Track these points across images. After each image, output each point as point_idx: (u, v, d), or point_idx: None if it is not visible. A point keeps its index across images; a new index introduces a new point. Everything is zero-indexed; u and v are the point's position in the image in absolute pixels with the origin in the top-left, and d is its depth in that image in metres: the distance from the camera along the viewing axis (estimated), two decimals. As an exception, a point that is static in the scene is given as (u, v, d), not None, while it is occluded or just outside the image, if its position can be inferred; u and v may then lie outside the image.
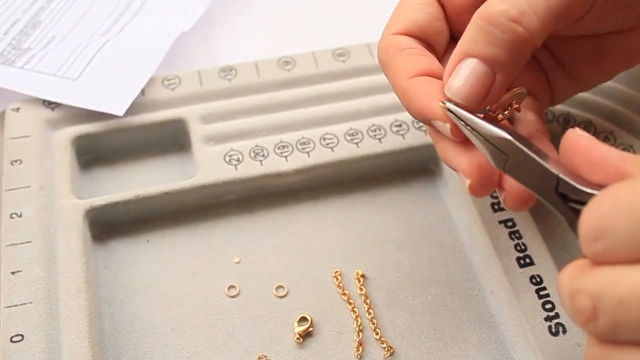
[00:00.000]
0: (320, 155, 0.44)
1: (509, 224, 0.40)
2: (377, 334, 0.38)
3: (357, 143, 0.44)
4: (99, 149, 0.46)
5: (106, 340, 0.38)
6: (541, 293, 0.38)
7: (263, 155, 0.44)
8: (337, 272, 0.41)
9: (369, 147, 0.44)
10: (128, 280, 0.41)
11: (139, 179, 0.45)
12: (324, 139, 0.44)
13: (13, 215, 0.41)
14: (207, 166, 0.43)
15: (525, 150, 0.30)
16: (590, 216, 0.25)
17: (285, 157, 0.44)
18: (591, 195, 0.27)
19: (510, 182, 0.33)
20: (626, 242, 0.24)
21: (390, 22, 0.36)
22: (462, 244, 0.42)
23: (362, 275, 0.41)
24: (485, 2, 0.32)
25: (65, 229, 0.40)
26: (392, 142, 0.44)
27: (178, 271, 0.41)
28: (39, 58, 0.49)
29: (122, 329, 0.39)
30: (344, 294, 0.40)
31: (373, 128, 0.45)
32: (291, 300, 0.40)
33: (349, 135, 0.45)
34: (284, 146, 0.44)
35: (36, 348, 0.36)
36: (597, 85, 0.41)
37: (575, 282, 0.26)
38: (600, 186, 0.27)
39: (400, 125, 0.45)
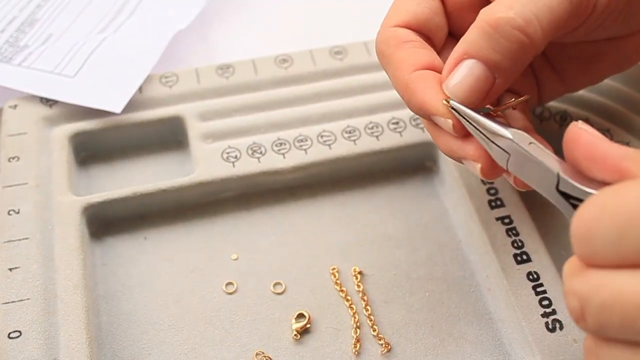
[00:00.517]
0: (317, 153, 0.44)
1: (506, 221, 0.40)
2: (374, 330, 0.39)
3: (354, 140, 0.44)
4: (97, 146, 0.46)
5: (104, 337, 0.38)
6: (538, 290, 0.38)
7: (260, 153, 0.44)
8: (334, 269, 0.41)
9: (367, 144, 0.44)
10: (125, 277, 0.41)
11: (137, 176, 0.45)
12: (322, 137, 0.45)
13: (10, 212, 0.41)
14: (204, 163, 0.43)
15: (525, 150, 0.30)
16: (579, 219, 0.25)
17: (283, 154, 0.44)
18: (589, 194, 0.27)
19: None
20: (611, 247, 0.24)
21: (389, 14, 0.36)
22: (459, 241, 0.42)
23: (360, 272, 0.41)
24: (491, 4, 0.32)
25: (63, 226, 0.40)
26: (390, 140, 0.44)
27: (176, 268, 0.41)
28: (36, 55, 0.49)
29: (119, 326, 0.39)
30: (342, 290, 0.40)
31: (370, 125, 0.45)
32: (289, 297, 0.40)
33: (346, 132, 0.45)
34: (281, 143, 0.44)
35: (34, 344, 0.36)
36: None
37: (568, 281, 0.26)
38: (600, 183, 0.27)
39: (397, 123, 0.45)
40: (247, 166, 0.43)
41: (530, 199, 0.43)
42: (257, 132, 0.45)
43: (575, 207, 0.29)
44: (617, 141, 0.43)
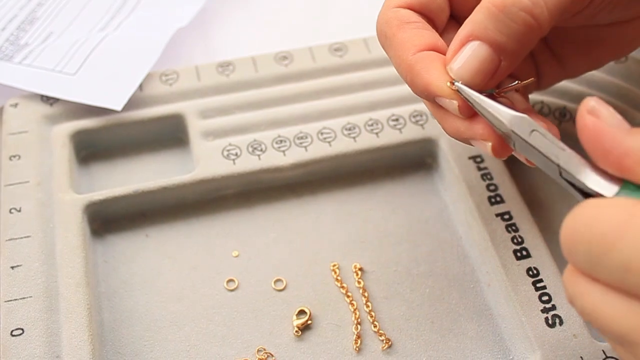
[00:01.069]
0: (317, 150, 0.44)
1: (506, 217, 0.41)
2: (375, 326, 0.39)
3: (354, 137, 0.44)
4: (97, 144, 0.46)
5: (106, 334, 0.38)
6: (538, 285, 0.38)
7: (261, 150, 0.44)
8: (335, 265, 0.41)
9: (367, 141, 0.44)
10: (127, 274, 0.41)
11: (138, 174, 0.45)
12: (322, 134, 0.45)
13: (12, 210, 0.41)
14: (205, 161, 0.43)
15: (527, 140, 0.30)
16: (565, 228, 0.26)
17: (283, 151, 0.44)
18: (588, 192, 0.27)
19: None
20: (587, 265, 0.25)
21: None
22: (459, 237, 0.42)
23: (360, 269, 0.41)
24: None
25: (64, 224, 0.40)
26: (390, 137, 0.44)
27: (177, 265, 0.41)
28: (37, 54, 0.49)
29: (121, 323, 0.39)
30: (342, 287, 0.40)
31: (370, 122, 0.45)
32: (290, 294, 0.40)
33: (346, 129, 0.45)
34: (281, 141, 0.44)
35: (36, 342, 0.36)
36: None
37: (564, 276, 0.27)
38: (604, 174, 0.27)
39: (397, 120, 0.45)
40: (248, 163, 0.43)
41: (530, 195, 0.44)
42: (258, 130, 0.45)
43: (583, 193, 0.28)
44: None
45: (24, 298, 0.37)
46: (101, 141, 0.46)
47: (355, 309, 0.39)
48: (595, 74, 0.46)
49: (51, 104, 0.46)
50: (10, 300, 0.37)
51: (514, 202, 0.41)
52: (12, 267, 0.38)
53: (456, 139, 0.34)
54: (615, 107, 0.44)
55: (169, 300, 0.40)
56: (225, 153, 0.44)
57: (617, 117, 0.26)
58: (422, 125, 0.45)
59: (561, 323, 0.37)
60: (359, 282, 0.40)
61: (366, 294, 0.40)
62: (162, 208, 0.43)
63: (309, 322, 0.39)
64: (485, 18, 0.31)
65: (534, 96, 0.46)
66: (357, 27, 0.51)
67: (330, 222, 0.43)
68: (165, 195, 0.43)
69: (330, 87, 0.47)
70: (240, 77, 0.47)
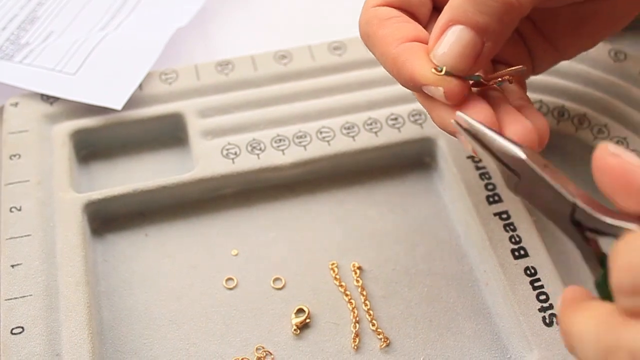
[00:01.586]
0: (316, 149, 0.44)
1: (504, 216, 0.41)
2: (373, 325, 0.39)
3: (353, 136, 0.45)
4: (97, 143, 0.46)
5: (105, 332, 0.39)
6: (535, 284, 0.38)
7: (260, 149, 0.44)
8: (333, 264, 0.41)
9: (365, 140, 0.44)
10: (127, 273, 0.41)
11: (137, 173, 0.45)
12: (321, 133, 0.45)
13: (12, 209, 0.41)
14: (204, 160, 0.43)
15: (541, 173, 0.28)
16: (625, 265, 0.22)
17: (282, 150, 0.44)
18: (612, 227, 0.25)
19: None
20: None
21: None
22: (458, 236, 0.43)
23: (359, 268, 0.41)
24: None
25: (64, 223, 0.41)
26: (388, 136, 0.45)
27: (176, 264, 0.41)
28: (37, 53, 0.49)
29: (121, 321, 0.39)
30: (341, 285, 0.40)
31: (369, 121, 0.45)
32: (288, 292, 0.40)
33: (345, 128, 0.45)
34: (280, 140, 0.44)
35: (36, 340, 0.36)
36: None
37: (610, 335, 0.23)
38: (624, 215, 0.25)
39: (396, 119, 0.45)
40: (247, 162, 0.43)
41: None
42: (257, 129, 0.45)
43: (588, 240, 0.27)
44: (613, 136, 0.44)
45: (24, 296, 0.37)
46: (101, 140, 0.46)
47: (353, 308, 0.39)
48: (594, 73, 0.46)
49: (51, 103, 0.46)
50: (11, 299, 0.37)
51: (512, 202, 0.41)
52: (12, 266, 0.39)
53: (444, 130, 0.34)
54: (613, 106, 0.45)
55: (169, 299, 0.40)
56: (225, 152, 0.44)
57: (637, 157, 0.25)
58: (420, 124, 0.45)
59: (558, 322, 0.37)
60: (357, 281, 0.41)
61: (365, 293, 0.40)
62: (161, 207, 0.43)
63: (308, 320, 0.39)
64: (463, 1, 0.31)
65: (532, 95, 0.46)
66: (356, 26, 0.51)
67: (329, 221, 0.43)
68: (164, 195, 0.43)
69: (329, 86, 0.47)
70: (239, 76, 0.48)
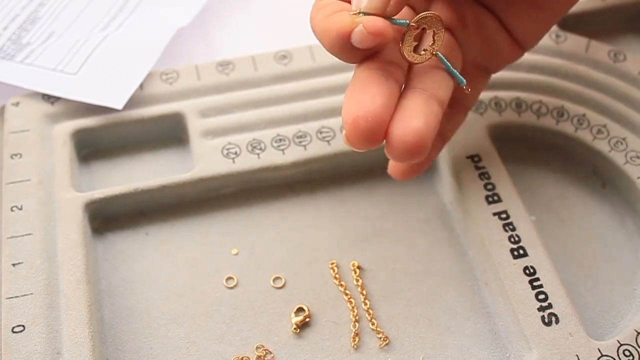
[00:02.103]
0: (316, 149, 0.44)
1: (503, 215, 0.41)
2: (373, 324, 0.39)
3: (353, 136, 0.45)
4: (98, 143, 0.46)
5: (106, 331, 0.39)
6: (534, 284, 0.38)
7: (260, 149, 0.44)
8: (333, 263, 0.41)
9: (365, 140, 0.44)
10: (127, 272, 0.41)
11: (138, 173, 0.45)
12: (321, 133, 0.45)
13: (14, 208, 0.41)
14: (205, 159, 0.44)
15: None
16: None
17: (283, 150, 0.44)
18: None
19: (398, 131, 0.31)
20: None
21: None
22: (457, 235, 0.43)
23: (359, 267, 0.41)
24: None
25: (65, 222, 0.41)
26: (388, 136, 0.45)
27: (177, 263, 0.42)
28: (39, 53, 0.49)
29: (121, 320, 0.39)
30: (341, 285, 0.41)
31: (369, 122, 0.45)
32: (288, 291, 0.40)
33: (345, 128, 0.45)
34: (281, 139, 0.45)
35: (37, 338, 0.36)
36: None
37: None
38: None
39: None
40: (247, 162, 0.44)
41: (527, 195, 0.44)
42: (257, 129, 0.45)
43: None
44: (613, 136, 0.44)
45: (25, 295, 0.38)
46: (102, 140, 0.46)
47: (353, 307, 0.40)
48: (593, 73, 0.47)
49: (52, 103, 0.46)
50: (12, 297, 0.38)
51: (511, 202, 0.41)
52: (14, 265, 0.39)
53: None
54: (612, 106, 0.45)
55: (169, 298, 0.40)
56: (225, 152, 0.44)
57: None
58: (420, 124, 0.45)
59: (557, 321, 0.37)
60: (357, 280, 0.41)
61: (364, 292, 0.40)
62: (162, 206, 0.43)
63: (308, 319, 0.39)
64: None
65: (532, 95, 0.46)
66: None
67: (329, 221, 0.43)
68: (165, 194, 0.43)
69: (329, 86, 0.47)
70: (240, 76, 0.48)
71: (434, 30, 0.33)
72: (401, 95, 0.33)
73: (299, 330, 0.39)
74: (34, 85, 0.47)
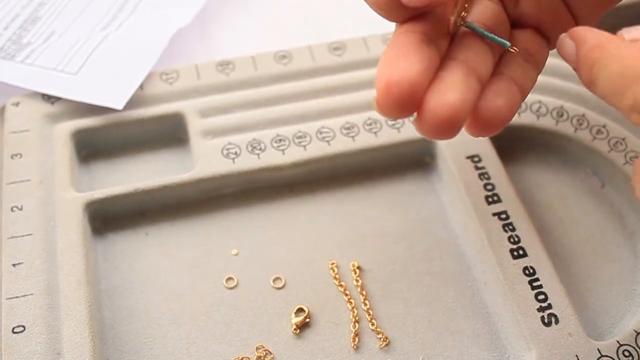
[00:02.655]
0: (316, 149, 0.44)
1: (503, 216, 0.41)
2: (373, 324, 0.39)
3: (353, 137, 0.45)
4: (98, 143, 0.46)
5: (106, 331, 0.39)
6: (534, 284, 0.38)
7: (260, 149, 0.44)
8: (333, 263, 0.41)
9: (365, 140, 0.45)
10: (127, 272, 0.41)
11: (138, 173, 0.45)
12: (321, 133, 0.45)
13: (14, 209, 0.41)
14: (205, 160, 0.44)
15: None
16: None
17: (282, 150, 0.44)
18: None
19: (432, 105, 0.29)
20: None
21: None
22: (457, 236, 0.43)
23: (358, 267, 0.41)
24: None
25: (65, 222, 0.41)
26: (388, 136, 0.45)
27: (177, 263, 0.42)
28: (39, 53, 0.49)
29: (121, 320, 0.39)
30: (341, 285, 0.41)
31: (369, 122, 0.45)
32: (288, 292, 0.40)
33: (345, 128, 0.45)
34: (281, 140, 0.45)
35: (37, 339, 0.36)
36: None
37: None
38: None
39: (395, 119, 0.45)
40: (247, 162, 0.44)
41: (527, 195, 0.44)
42: (257, 129, 0.45)
43: None
44: (612, 136, 0.44)
45: (25, 295, 0.38)
46: (102, 140, 0.46)
47: (353, 307, 0.40)
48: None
49: (52, 103, 0.46)
50: (12, 298, 0.38)
51: (510, 202, 0.41)
52: (14, 265, 0.39)
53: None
54: (614, 107, 0.45)
55: (169, 298, 0.40)
56: (225, 152, 0.44)
57: None
58: (420, 124, 0.45)
59: (557, 322, 0.37)
60: (357, 281, 0.41)
61: (364, 292, 0.40)
62: (162, 207, 0.43)
63: (308, 320, 0.39)
64: None
65: (531, 96, 0.46)
66: (356, 26, 0.51)
67: (329, 221, 0.43)
68: (165, 194, 0.43)
69: (329, 86, 0.47)
70: (239, 76, 0.48)
71: None
72: (440, 65, 0.31)
73: (299, 330, 0.39)
74: (34, 85, 0.47)
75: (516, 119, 0.45)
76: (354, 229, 0.43)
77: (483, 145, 0.44)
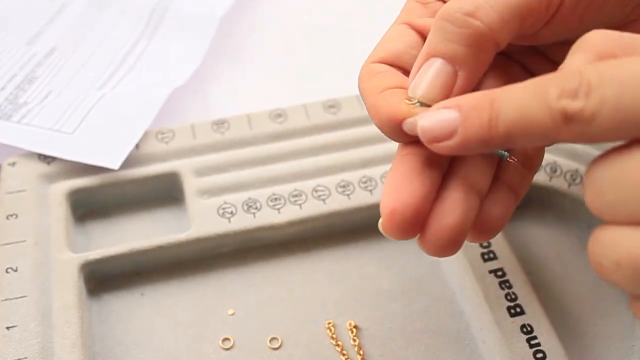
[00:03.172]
0: (312, 207, 0.44)
1: (499, 273, 0.41)
2: (370, 385, 0.39)
3: (348, 195, 0.45)
4: (94, 203, 0.46)
5: (101, 395, 0.38)
6: (532, 342, 0.38)
7: (256, 208, 0.44)
8: (330, 323, 0.41)
9: (360, 198, 0.45)
10: (123, 333, 0.41)
11: (134, 233, 0.45)
12: (316, 191, 0.45)
13: (9, 270, 0.41)
14: (200, 219, 0.44)
15: None
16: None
17: (278, 209, 0.44)
18: None
19: (434, 228, 0.31)
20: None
21: (369, 55, 0.36)
22: (454, 294, 0.43)
23: (355, 326, 0.41)
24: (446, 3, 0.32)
25: (61, 283, 0.41)
26: (383, 193, 0.45)
27: (173, 323, 0.41)
28: (36, 112, 0.50)
29: (116, 383, 0.39)
30: (338, 344, 0.40)
31: (364, 179, 0.46)
32: (285, 352, 0.40)
33: (340, 187, 0.45)
34: (276, 198, 0.45)
35: (31, 404, 0.36)
36: None
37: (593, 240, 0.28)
38: None
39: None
40: (243, 222, 0.44)
41: (523, 252, 0.44)
42: (253, 187, 0.45)
43: None
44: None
45: (19, 359, 0.37)
46: (98, 200, 0.46)
47: (350, 367, 0.39)
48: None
49: (48, 163, 0.46)
50: (6, 362, 0.37)
51: (506, 259, 0.41)
52: (8, 328, 0.39)
53: None
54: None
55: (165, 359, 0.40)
56: (221, 211, 0.44)
57: None
58: (415, 181, 0.45)
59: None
60: (354, 340, 0.40)
61: (362, 352, 0.40)
62: (157, 267, 0.43)
63: (305, 381, 0.39)
64: (435, 33, 0.32)
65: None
66: (350, 84, 0.52)
67: (325, 280, 0.43)
68: (160, 254, 0.43)
69: (324, 144, 0.48)
70: (235, 135, 0.48)
71: None
72: (442, 182, 0.32)
73: (296, 392, 0.38)
74: (31, 145, 0.47)
75: (510, 176, 0.45)
76: (351, 287, 0.43)
77: (478, 202, 0.44)
